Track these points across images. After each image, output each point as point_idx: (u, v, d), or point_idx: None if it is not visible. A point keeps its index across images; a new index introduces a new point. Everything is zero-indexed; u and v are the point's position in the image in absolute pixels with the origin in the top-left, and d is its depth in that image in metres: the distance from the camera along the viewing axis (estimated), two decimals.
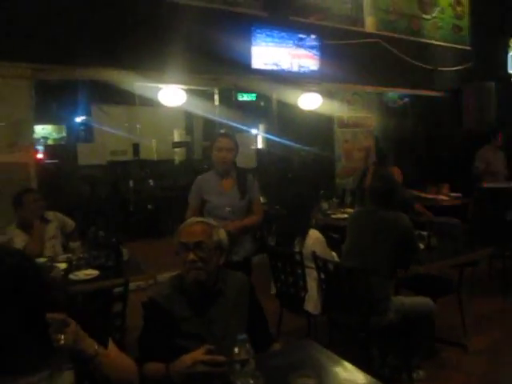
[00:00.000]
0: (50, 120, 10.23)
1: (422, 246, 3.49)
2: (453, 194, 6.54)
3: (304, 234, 3.49)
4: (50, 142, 10.61)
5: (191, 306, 1.92)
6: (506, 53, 7.95)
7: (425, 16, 7.88)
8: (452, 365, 3.50)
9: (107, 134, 8.38)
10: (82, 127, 10.06)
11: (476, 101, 7.78)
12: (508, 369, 3.49)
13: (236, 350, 1.44)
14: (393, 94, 8.83)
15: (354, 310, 2.99)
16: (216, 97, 7.12)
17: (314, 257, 3.21)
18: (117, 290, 3.00)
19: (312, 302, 3.39)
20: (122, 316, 2.62)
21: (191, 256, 1.88)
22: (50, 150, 9.50)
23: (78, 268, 3.15)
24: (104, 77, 5.40)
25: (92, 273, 3.05)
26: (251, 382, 1.40)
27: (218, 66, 5.68)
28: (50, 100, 9.38)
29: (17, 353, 1.40)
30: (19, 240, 3.60)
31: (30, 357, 1.42)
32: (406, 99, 9.01)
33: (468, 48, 8.40)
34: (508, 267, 5.02)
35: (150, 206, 7.53)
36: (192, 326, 1.89)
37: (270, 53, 6.04)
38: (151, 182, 7.75)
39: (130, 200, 7.63)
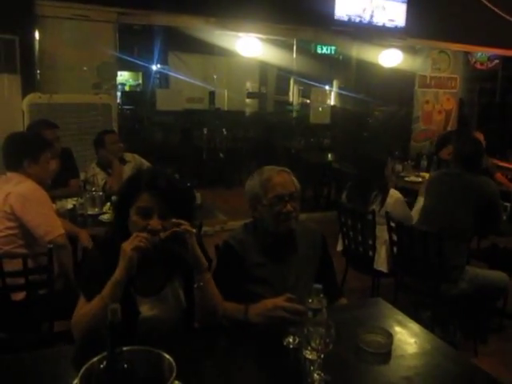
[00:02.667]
0: (128, 67, 10.54)
1: (503, 217, 3.31)
2: None
3: (384, 193, 3.40)
4: (126, 88, 10.98)
5: (265, 252, 1.94)
6: None
7: None
8: None
9: (183, 81, 8.50)
10: (157, 75, 10.28)
11: None
12: None
13: (309, 298, 1.45)
14: (482, 54, 8.19)
15: (425, 274, 2.92)
16: (294, 48, 6.92)
17: (388, 218, 3.14)
18: None
19: (380, 261, 3.36)
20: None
21: (288, 207, 1.87)
22: (127, 96, 9.82)
23: None
24: (184, 24, 5.42)
25: None
26: (322, 330, 1.41)
27: (298, 16, 5.49)
28: (129, 47, 9.62)
29: (149, 276, 1.62)
30: (100, 177, 3.80)
31: (157, 279, 1.65)
32: (497, 61, 8.33)
33: None
34: None
35: (221, 155, 7.63)
36: (264, 272, 1.92)
37: (354, 2, 5.73)
38: (224, 131, 7.81)
39: (203, 148, 7.78)
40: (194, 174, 6.68)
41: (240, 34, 5.71)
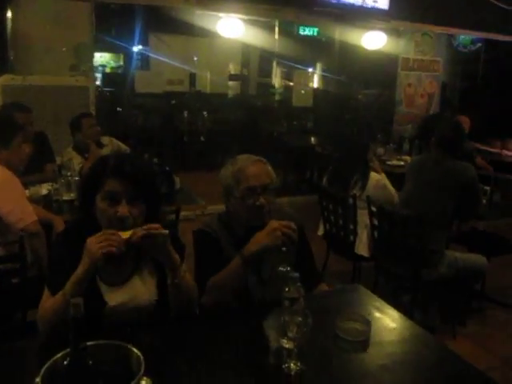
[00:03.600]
0: (109, 48, 10.29)
1: (483, 201, 3.33)
2: None
3: (364, 177, 3.38)
4: (107, 70, 10.74)
5: (238, 245, 1.83)
6: None
7: None
8: (496, 324, 3.42)
9: (164, 63, 8.33)
10: (139, 56, 10.07)
11: None
12: None
13: (286, 287, 1.42)
14: (465, 37, 8.17)
15: (406, 259, 2.93)
16: (276, 29, 6.81)
17: (369, 202, 3.13)
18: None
19: (361, 246, 3.35)
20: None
21: (261, 200, 1.78)
22: (108, 78, 9.62)
23: None
24: (162, 3, 5.27)
25: None
26: (300, 319, 1.38)
27: None
28: (109, 28, 9.38)
29: (116, 265, 1.55)
30: (76, 162, 3.69)
31: (124, 268, 1.59)
32: (479, 44, 8.32)
33: None
34: None
35: (202, 138, 7.53)
36: None
37: None
38: (205, 114, 7.71)
39: (183, 131, 7.67)
40: (176, 157, 6.58)
41: (220, 15, 5.58)
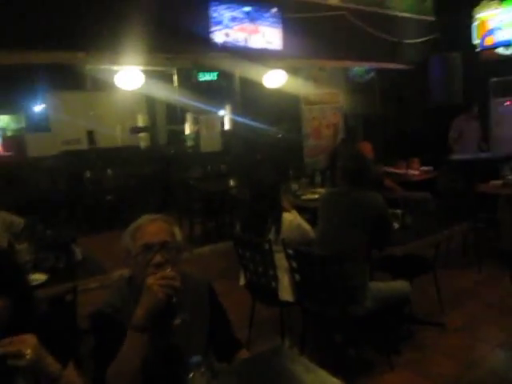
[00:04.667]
0: (7, 110, 9.71)
1: (396, 225, 3.35)
2: (423, 168, 6.45)
3: (277, 220, 3.26)
4: (8, 133, 10.11)
5: None
6: (470, 23, 7.78)
7: None
8: (430, 346, 3.39)
9: (63, 122, 7.94)
10: (40, 116, 9.59)
11: (442, 72, 7.66)
12: (485, 346, 3.39)
13: (190, 375, 1.21)
14: (359, 68, 8.65)
15: (329, 299, 2.81)
16: (174, 78, 6.76)
17: (284, 244, 3.00)
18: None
19: (284, 291, 3.19)
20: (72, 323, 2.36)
21: (158, 258, 1.62)
22: (8, 142, 9.04)
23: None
24: (47, 60, 5.02)
25: (40, 278, 2.74)
26: None
27: (175, 44, 5.35)
28: (4, 89, 8.85)
29: None
30: None
31: None
32: (372, 73, 8.84)
33: (432, 19, 8.24)
34: (481, 240, 4.95)
35: (109, 197, 7.11)
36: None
37: (229, 28, 5.73)
38: (109, 171, 7.33)
39: (87, 192, 7.22)
40: (79, 221, 6.14)
41: (116, 68, 5.41)
